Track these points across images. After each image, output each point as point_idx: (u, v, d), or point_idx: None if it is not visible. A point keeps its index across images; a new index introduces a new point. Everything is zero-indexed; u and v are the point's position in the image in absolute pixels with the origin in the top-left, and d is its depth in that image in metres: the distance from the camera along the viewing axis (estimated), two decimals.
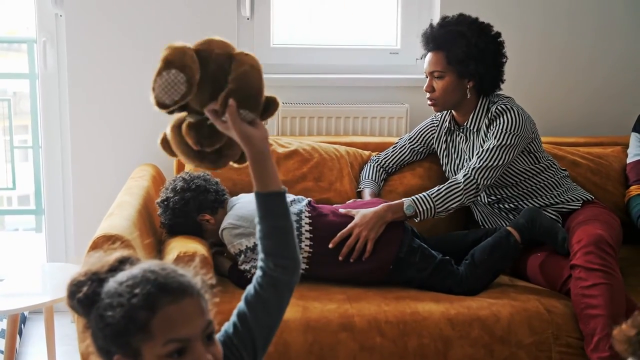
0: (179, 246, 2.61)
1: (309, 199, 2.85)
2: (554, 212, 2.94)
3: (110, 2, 3.39)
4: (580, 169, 3.29)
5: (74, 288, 1.44)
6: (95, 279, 1.43)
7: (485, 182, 2.84)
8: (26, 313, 3.62)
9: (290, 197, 2.83)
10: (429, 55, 2.95)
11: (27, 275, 3.10)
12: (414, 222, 2.86)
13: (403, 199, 2.82)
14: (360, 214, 2.76)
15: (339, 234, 2.73)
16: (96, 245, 2.38)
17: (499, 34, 2.93)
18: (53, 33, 3.48)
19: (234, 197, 2.85)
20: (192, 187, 2.78)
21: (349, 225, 2.74)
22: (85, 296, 1.42)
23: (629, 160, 3.29)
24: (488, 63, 2.89)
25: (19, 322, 2.85)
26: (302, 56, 3.66)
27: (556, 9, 3.66)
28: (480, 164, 2.84)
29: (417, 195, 2.82)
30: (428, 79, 2.95)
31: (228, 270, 2.75)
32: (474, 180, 2.82)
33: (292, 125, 3.48)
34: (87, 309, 1.42)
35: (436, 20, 3.01)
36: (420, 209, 2.79)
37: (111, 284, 1.41)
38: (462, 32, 2.87)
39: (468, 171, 2.84)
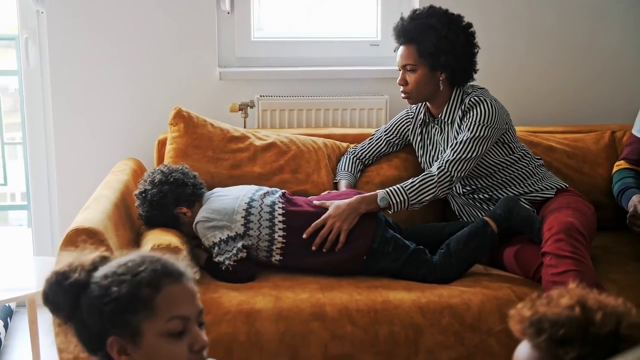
0: (154, 238, 2.65)
1: (283, 190, 2.88)
2: (527, 202, 2.96)
3: None
4: (556, 154, 3.32)
5: (61, 277, 1.47)
6: (83, 270, 1.47)
7: (459, 175, 2.86)
8: (13, 307, 3.67)
9: (264, 189, 2.86)
10: (401, 48, 2.97)
11: (11, 269, 3.14)
12: (388, 213, 2.89)
13: (377, 191, 2.85)
14: (334, 205, 2.79)
15: (312, 225, 2.75)
16: (70, 238, 2.43)
17: (469, 25, 2.95)
18: (35, 30, 3.52)
19: (209, 192, 2.89)
20: (170, 180, 2.81)
21: (323, 216, 2.77)
22: (77, 281, 1.45)
23: (633, 131, 3.21)
24: (459, 54, 2.91)
25: (0, 315, 2.88)
26: (282, 49, 3.68)
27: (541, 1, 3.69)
28: (454, 156, 2.86)
29: (391, 187, 2.85)
30: (401, 72, 2.98)
31: (204, 262, 2.78)
32: (448, 173, 2.85)
33: (272, 117, 3.51)
34: (75, 297, 1.45)
35: (407, 13, 3.02)
36: (394, 201, 2.82)
37: (106, 268, 1.46)
38: (432, 24, 2.89)
39: (442, 164, 2.86)
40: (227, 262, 2.66)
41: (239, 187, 2.88)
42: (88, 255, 1.52)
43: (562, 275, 2.58)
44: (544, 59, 3.71)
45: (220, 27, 3.57)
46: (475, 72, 2.99)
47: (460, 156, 2.85)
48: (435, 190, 2.84)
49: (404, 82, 2.97)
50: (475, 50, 2.97)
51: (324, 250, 2.74)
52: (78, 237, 2.42)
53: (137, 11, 3.46)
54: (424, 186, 2.84)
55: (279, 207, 2.77)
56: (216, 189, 2.90)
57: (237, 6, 3.59)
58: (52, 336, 3.35)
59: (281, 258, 2.75)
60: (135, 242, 2.79)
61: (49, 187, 3.65)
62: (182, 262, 1.50)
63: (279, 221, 2.74)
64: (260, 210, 2.74)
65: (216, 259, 2.69)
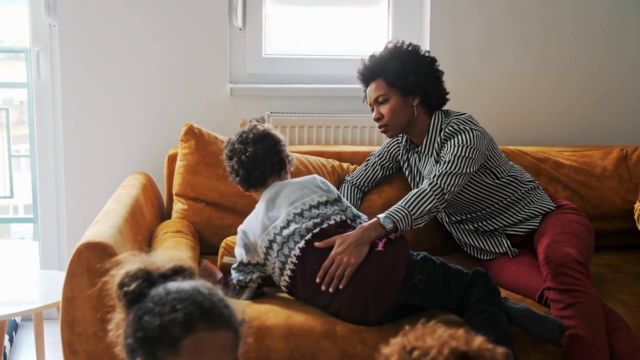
0: (163, 253, 2.63)
1: (314, 231, 2.68)
2: (515, 235, 2.96)
3: (103, 13, 3.43)
4: (564, 169, 3.36)
5: (126, 279, 1.49)
6: (147, 279, 1.48)
7: (450, 188, 2.75)
8: (18, 320, 3.66)
9: (307, 211, 2.73)
10: (369, 87, 2.98)
11: (18, 283, 3.13)
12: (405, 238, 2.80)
13: (377, 216, 2.71)
14: (339, 239, 2.63)
15: (322, 267, 2.60)
16: (80, 252, 2.41)
17: (427, 52, 2.99)
18: (47, 43, 3.53)
19: (272, 185, 2.81)
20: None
21: (331, 255, 2.61)
22: (133, 292, 1.47)
23: None
24: (427, 73, 2.92)
25: (6, 329, 2.87)
26: (293, 66, 3.69)
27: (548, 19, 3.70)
28: (442, 170, 2.77)
29: (388, 210, 2.72)
30: (375, 109, 2.96)
31: (217, 281, 2.75)
32: (438, 185, 2.74)
33: (282, 134, 3.49)
34: (130, 305, 1.47)
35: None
36: (397, 218, 2.66)
37: (160, 290, 1.45)
38: (392, 53, 2.93)
39: (431, 178, 2.78)
40: (243, 283, 2.64)
41: (299, 187, 2.80)
42: (167, 262, 1.54)
43: (567, 309, 2.57)
44: (552, 79, 3.72)
45: (232, 43, 3.58)
46: (447, 93, 2.99)
47: (449, 170, 2.77)
48: (432, 200, 2.71)
49: (380, 116, 2.94)
50: (440, 74, 2.98)
51: (330, 290, 2.57)
52: (88, 252, 2.40)
53: (149, 26, 3.47)
54: (419, 198, 2.71)
55: (294, 255, 2.63)
56: (277, 184, 2.82)
57: (249, 23, 3.59)
58: (57, 351, 3.34)
59: (287, 290, 2.70)
60: None
61: (57, 201, 3.64)
62: (236, 307, 1.47)
63: (292, 262, 2.63)
64: (280, 250, 2.64)
65: (232, 269, 2.68)
